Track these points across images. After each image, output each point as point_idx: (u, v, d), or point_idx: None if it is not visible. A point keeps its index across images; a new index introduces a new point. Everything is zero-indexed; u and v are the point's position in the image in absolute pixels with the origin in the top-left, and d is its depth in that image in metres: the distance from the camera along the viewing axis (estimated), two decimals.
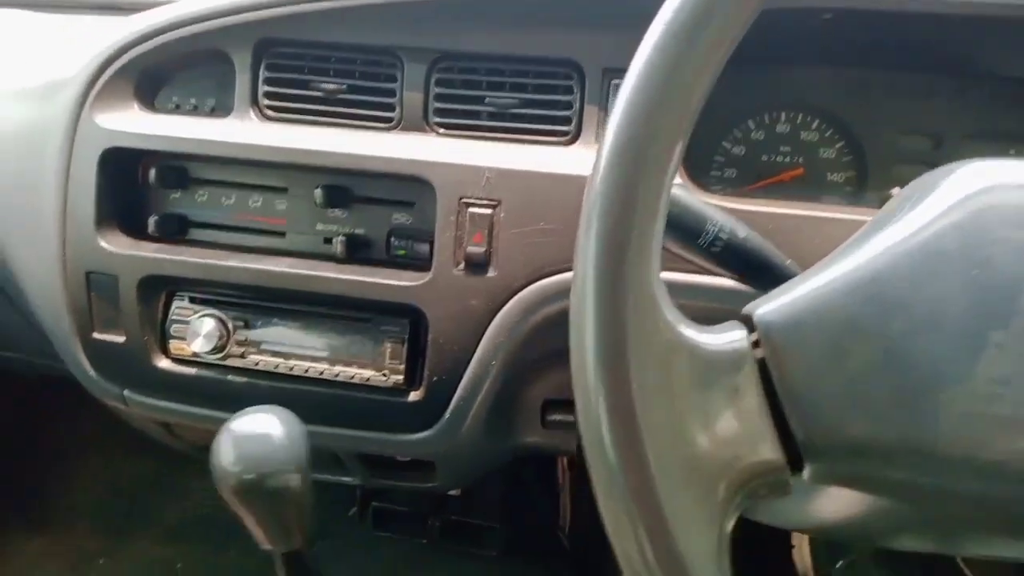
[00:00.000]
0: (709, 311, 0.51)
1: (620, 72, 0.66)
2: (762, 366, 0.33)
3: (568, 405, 0.83)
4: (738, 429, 0.32)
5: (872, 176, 0.76)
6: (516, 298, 0.67)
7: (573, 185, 0.65)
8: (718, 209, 0.49)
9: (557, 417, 0.81)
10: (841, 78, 0.75)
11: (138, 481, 1.57)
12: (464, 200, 0.67)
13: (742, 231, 0.49)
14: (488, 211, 0.66)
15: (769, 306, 0.35)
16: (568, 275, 0.66)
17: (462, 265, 0.68)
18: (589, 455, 0.32)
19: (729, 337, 0.34)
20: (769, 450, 0.32)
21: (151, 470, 1.58)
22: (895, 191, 0.75)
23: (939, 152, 0.75)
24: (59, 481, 1.56)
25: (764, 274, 0.49)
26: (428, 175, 0.67)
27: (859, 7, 0.64)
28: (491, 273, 0.67)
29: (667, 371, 0.32)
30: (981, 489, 0.32)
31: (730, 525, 0.31)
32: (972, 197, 0.35)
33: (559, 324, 0.70)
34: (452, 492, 1.13)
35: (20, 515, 1.52)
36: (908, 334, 0.32)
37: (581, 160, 0.66)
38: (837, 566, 1.17)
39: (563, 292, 0.66)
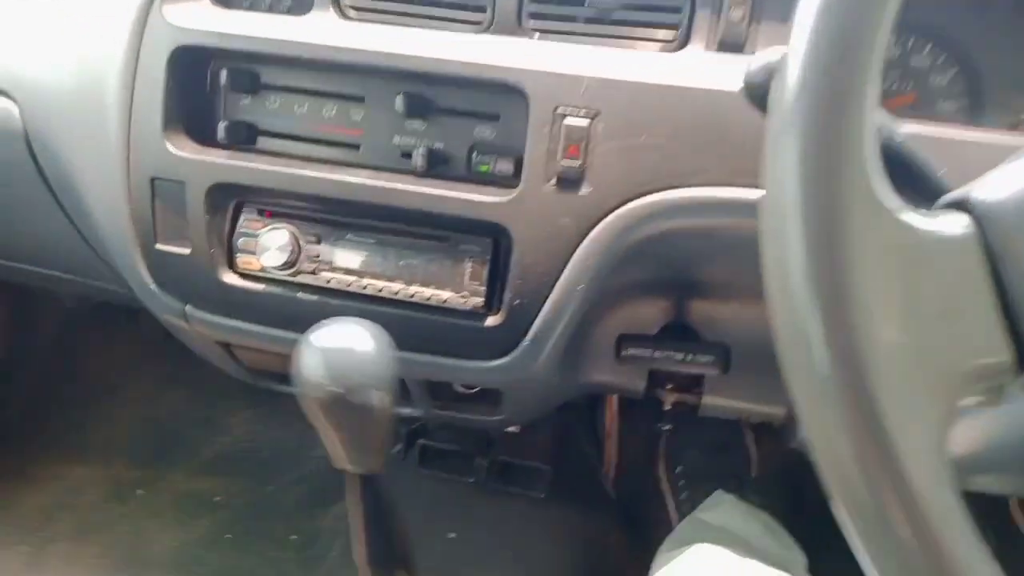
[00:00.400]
0: None
1: None
2: (988, 252, 0.29)
3: (645, 340, 0.79)
4: (961, 323, 0.28)
5: (989, 106, 0.70)
6: (611, 217, 0.63)
7: (679, 96, 0.61)
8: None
9: (633, 351, 0.77)
10: None
11: (176, 414, 1.56)
12: (559, 110, 0.62)
13: (898, 135, 0.44)
14: (585, 122, 0.62)
15: (989, 189, 0.30)
16: (671, 194, 0.61)
17: (553, 180, 0.63)
18: (789, 356, 0.28)
19: (953, 220, 0.30)
20: (994, 350, 0.28)
21: (189, 403, 1.57)
22: None
23: None
24: (97, 410, 1.55)
25: (917, 181, 0.45)
26: (521, 82, 0.62)
27: None
28: (584, 190, 0.63)
29: (888, 258, 0.28)
30: None
31: (952, 434, 0.28)
32: None
33: (651, 250, 0.66)
34: (510, 429, 1.11)
35: (59, 443, 1.52)
36: None
37: (689, 68, 0.61)
38: None
39: (663, 212, 0.62)
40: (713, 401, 0.86)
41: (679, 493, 1.25)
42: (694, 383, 0.85)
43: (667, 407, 0.89)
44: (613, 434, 1.34)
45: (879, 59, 0.30)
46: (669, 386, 0.87)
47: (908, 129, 0.59)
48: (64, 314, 1.54)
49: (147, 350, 1.53)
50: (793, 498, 1.14)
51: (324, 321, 0.52)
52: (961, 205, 0.31)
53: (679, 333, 0.85)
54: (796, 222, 0.28)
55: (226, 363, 0.84)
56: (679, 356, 0.77)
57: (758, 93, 0.41)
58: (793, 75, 0.30)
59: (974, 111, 0.70)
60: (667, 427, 1.19)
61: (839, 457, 0.26)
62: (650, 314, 0.85)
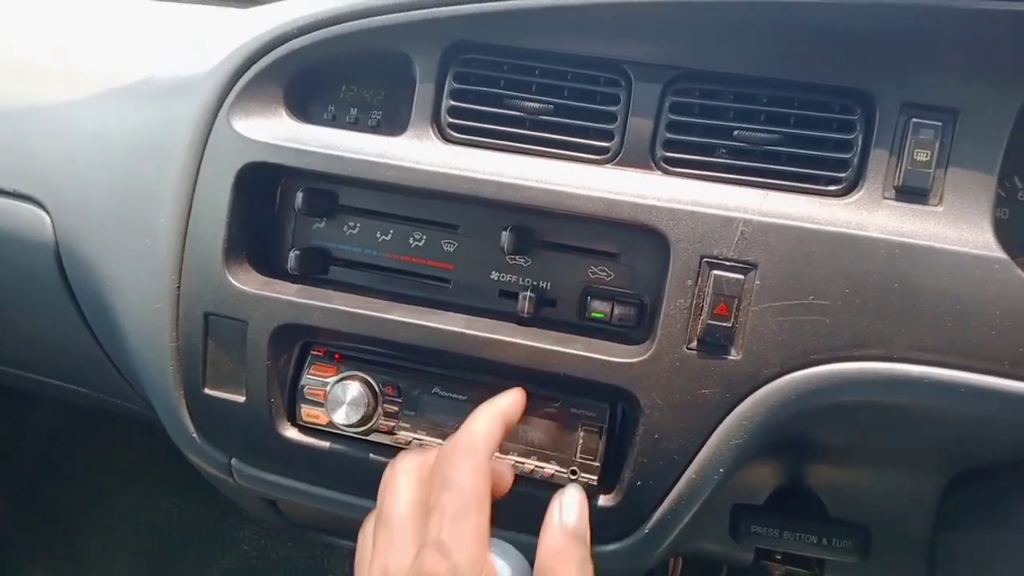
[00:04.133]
0: None
1: (925, 109, 0.51)
2: None
3: (766, 517, 0.67)
4: None
5: None
6: (766, 389, 0.52)
7: (856, 248, 0.50)
8: None
9: (759, 530, 0.65)
10: None
11: (180, 525, 1.42)
12: (708, 259, 0.52)
13: None
14: (739, 276, 0.51)
15: None
16: (845, 367, 0.50)
17: (695, 342, 0.52)
18: None
19: None
20: None
21: (195, 513, 1.43)
22: None
23: None
24: (93, 519, 1.40)
25: None
26: (661, 224, 0.52)
27: None
28: (734, 356, 0.52)
29: None
30: None
31: None
32: None
33: (805, 421, 0.55)
34: None
35: (49, 554, 1.37)
36: None
37: (864, 216, 0.51)
38: None
39: (833, 387, 0.51)
40: None
41: None
42: (813, 560, 0.73)
43: None
44: None
45: None
46: (778, 558, 0.74)
47: None
48: (61, 410, 1.41)
49: (155, 457, 1.40)
50: None
51: None
52: None
53: (795, 499, 0.73)
54: None
55: (267, 515, 0.71)
56: (812, 539, 0.65)
57: None
58: None
59: None
60: None
61: None
62: (761, 476, 0.73)
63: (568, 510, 0.45)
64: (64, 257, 0.67)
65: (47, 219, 0.67)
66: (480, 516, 0.41)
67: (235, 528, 1.41)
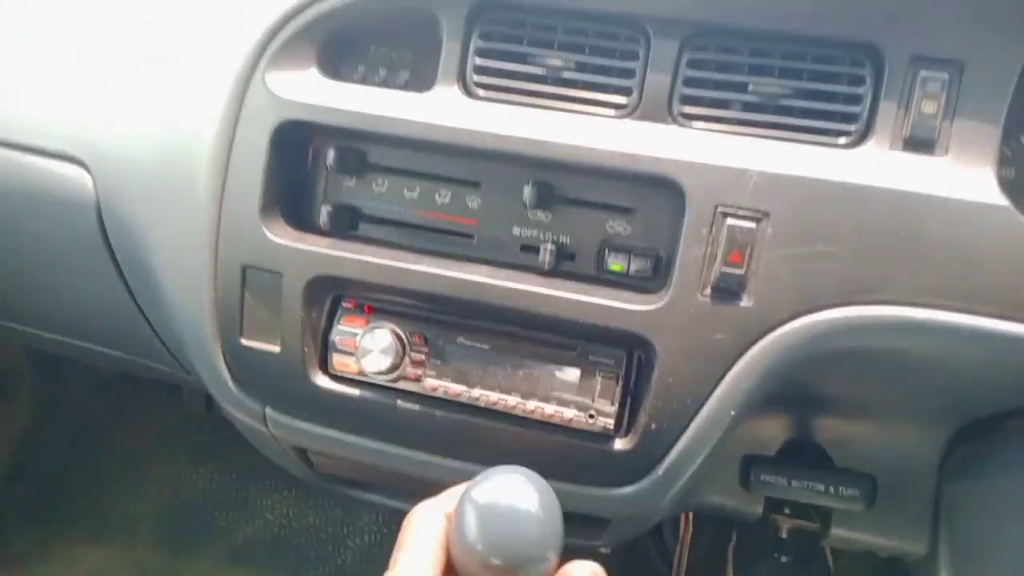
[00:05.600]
0: None
1: (932, 62, 0.53)
2: None
3: (776, 466, 0.69)
4: None
5: None
6: (776, 334, 0.54)
7: (865, 198, 0.53)
8: None
9: (768, 479, 0.68)
10: None
11: (204, 494, 1.46)
12: (722, 209, 0.54)
13: None
14: (751, 224, 0.54)
15: None
16: (852, 311, 0.53)
17: (708, 289, 0.55)
18: None
19: None
20: None
21: (219, 482, 1.47)
22: None
23: None
24: (122, 489, 1.45)
25: None
26: (678, 175, 0.55)
27: None
28: (746, 302, 0.54)
29: None
30: None
31: None
32: None
33: (819, 367, 0.57)
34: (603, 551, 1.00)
35: (80, 522, 1.41)
36: None
37: (873, 167, 0.53)
38: None
39: (842, 332, 0.53)
40: (844, 534, 0.75)
41: None
42: (819, 510, 0.75)
43: (783, 535, 0.78)
44: (685, 544, 1.22)
45: None
46: (787, 511, 0.76)
47: None
48: (96, 383, 1.46)
49: (181, 425, 1.44)
50: None
51: (486, 473, 0.43)
52: None
53: (803, 451, 0.75)
54: None
55: (297, 467, 0.74)
56: (820, 488, 0.67)
57: None
58: None
59: None
60: (784, 558, 1.07)
61: None
62: (771, 429, 0.76)
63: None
64: (105, 215, 0.71)
65: (89, 179, 0.70)
66: None
67: (259, 496, 1.45)
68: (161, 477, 1.46)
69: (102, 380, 1.44)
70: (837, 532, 0.75)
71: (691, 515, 1.23)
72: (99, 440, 1.47)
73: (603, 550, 1.00)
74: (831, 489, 0.67)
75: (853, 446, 0.73)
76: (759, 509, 0.77)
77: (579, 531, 0.72)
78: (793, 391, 0.64)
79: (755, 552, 1.19)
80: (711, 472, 0.70)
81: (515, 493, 0.41)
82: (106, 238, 0.72)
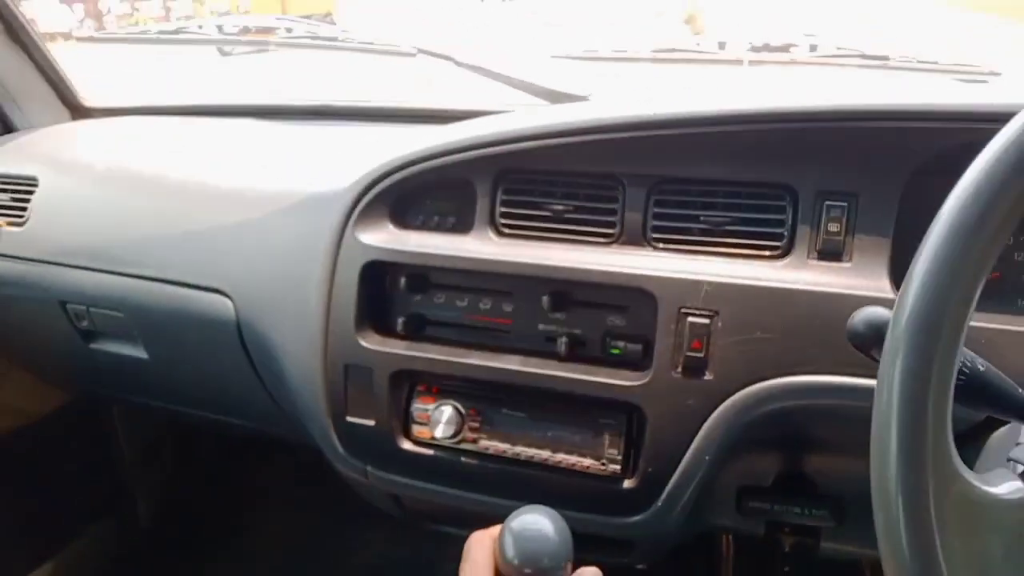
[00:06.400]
0: None
1: (832, 195, 0.73)
2: None
3: (763, 493, 0.87)
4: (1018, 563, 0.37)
5: None
6: (733, 399, 0.74)
7: (789, 297, 0.72)
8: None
9: (756, 505, 0.86)
10: None
11: (318, 532, 1.71)
12: (683, 310, 0.74)
13: (981, 364, 0.53)
14: (706, 320, 0.74)
15: None
16: (786, 380, 0.72)
17: (680, 368, 0.75)
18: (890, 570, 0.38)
19: (1011, 486, 0.39)
20: None
21: (323, 524, 1.71)
22: None
23: None
24: (250, 528, 1.71)
25: (999, 403, 0.53)
26: (650, 287, 0.75)
27: None
28: (708, 376, 0.74)
29: (962, 517, 0.38)
30: None
31: None
32: None
33: (768, 421, 0.76)
34: (640, 567, 1.19)
35: (220, 555, 1.68)
36: None
37: (794, 274, 0.73)
38: None
39: (782, 395, 0.72)
40: (831, 546, 0.92)
41: None
42: (812, 528, 0.92)
43: (786, 550, 0.96)
44: (729, 562, 1.38)
45: (959, 346, 0.40)
46: (787, 529, 0.94)
47: (990, 324, 0.68)
48: (218, 445, 1.74)
49: (296, 478, 1.70)
50: None
51: (519, 511, 0.63)
52: (1014, 467, 0.40)
53: (794, 482, 0.92)
54: (892, 475, 0.38)
55: (393, 509, 0.97)
56: (796, 510, 0.85)
57: (859, 342, 0.52)
58: (890, 349, 0.40)
59: None
60: (786, 568, 1.22)
61: None
62: (766, 465, 0.93)
63: None
64: (243, 330, 0.96)
65: (230, 304, 0.96)
66: None
67: (363, 532, 1.69)
68: (280, 519, 1.72)
69: (225, 445, 1.72)
70: (829, 546, 0.91)
71: (730, 537, 1.39)
72: (226, 492, 1.75)
73: (639, 566, 1.19)
74: (805, 511, 0.85)
75: (832, 475, 0.90)
76: (761, 530, 0.94)
77: (611, 551, 0.93)
78: (780, 434, 0.83)
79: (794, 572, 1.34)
80: (715, 501, 0.89)
81: (538, 523, 0.62)
82: (244, 346, 0.98)
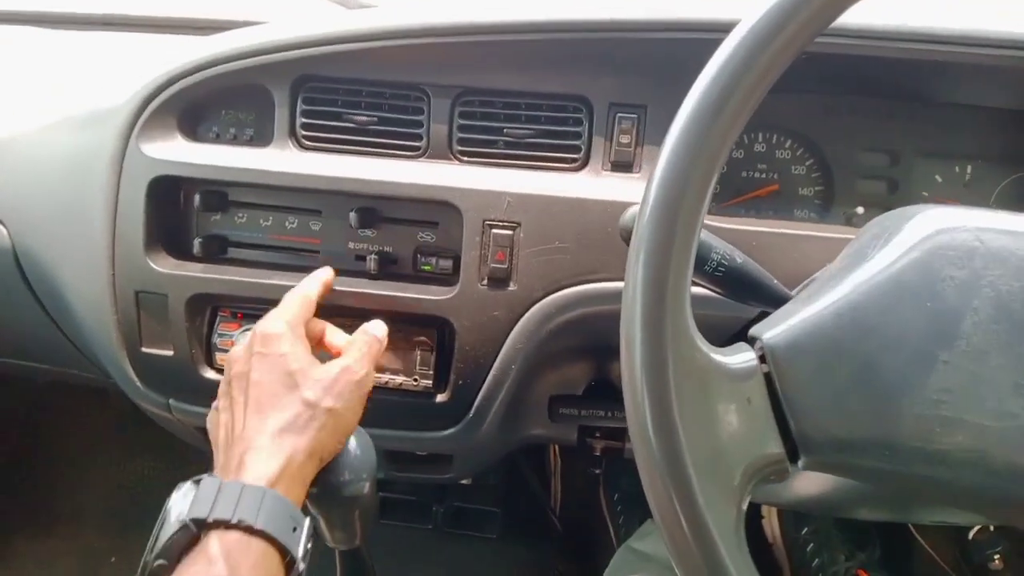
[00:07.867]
0: (715, 319, 0.61)
1: (623, 106, 0.75)
2: (768, 379, 0.42)
3: (573, 400, 0.92)
4: (750, 429, 0.41)
5: (838, 190, 0.86)
6: (534, 308, 0.76)
7: (584, 207, 0.74)
8: (718, 238, 0.58)
9: (565, 411, 0.90)
10: (811, 103, 0.84)
11: (142, 480, 1.62)
12: (487, 222, 0.75)
13: (739, 257, 0.58)
14: (509, 232, 0.75)
15: (772, 331, 0.44)
16: (582, 288, 0.75)
17: (486, 280, 0.76)
18: (637, 451, 0.41)
19: (742, 357, 0.43)
20: (774, 445, 0.41)
21: (153, 469, 1.63)
22: (859, 210, 0.86)
23: (896, 168, 0.85)
24: (66, 483, 1.60)
25: (757, 293, 0.59)
26: (455, 200, 0.75)
27: (826, 51, 0.72)
28: (512, 287, 0.76)
29: (698, 385, 0.41)
30: (929, 473, 0.42)
31: (745, 504, 0.41)
32: (927, 239, 0.45)
33: (570, 329, 0.79)
34: (464, 481, 1.22)
35: (29, 518, 1.56)
36: (878, 352, 0.42)
37: (589, 184, 0.75)
38: (802, 532, 1.30)
39: (577, 302, 0.75)
40: None
41: (617, 518, 1.38)
42: (620, 431, 0.98)
43: (596, 453, 1.02)
44: (557, 472, 1.46)
45: (695, 235, 0.43)
46: (597, 435, 0.99)
47: (763, 228, 0.74)
48: (30, 392, 1.59)
49: (113, 423, 1.59)
50: None
51: None
52: (753, 341, 0.44)
53: (604, 390, 0.98)
54: (636, 352, 0.41)
55: (202, 443, 0.93)
56: (601, 413, 0.90)
57: (626, 237, 0.54)
58: (635, 242, 0.42)
59: (827, 195, 0.86)
60: (597, 471, 1.31)
61: (664, 514, 0.39)
62: (577, 374, 0.97)
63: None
64: (21, 259, 0.87)
65: (4, 231, 0.86)
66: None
67: (190, 476, 1.62)
68: (100, 470, 1.61)
69: (35, 392, 1.58)
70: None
71: (558, 448, 1.47)
72: (39, 444, 1.61)
73: (464, 481, 1.23)
74: (608, 413, 0.90)
75: None
76: (574, 436, 1.00)
77: (432, 467, 0.95)
78: (587, 343, 0.86)
79: (619, 469, 1.44)
80: (529, 411, 0.92)
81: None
82: (24, 276, 0.88)
